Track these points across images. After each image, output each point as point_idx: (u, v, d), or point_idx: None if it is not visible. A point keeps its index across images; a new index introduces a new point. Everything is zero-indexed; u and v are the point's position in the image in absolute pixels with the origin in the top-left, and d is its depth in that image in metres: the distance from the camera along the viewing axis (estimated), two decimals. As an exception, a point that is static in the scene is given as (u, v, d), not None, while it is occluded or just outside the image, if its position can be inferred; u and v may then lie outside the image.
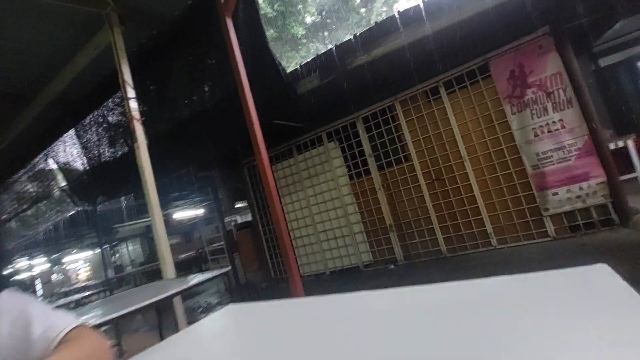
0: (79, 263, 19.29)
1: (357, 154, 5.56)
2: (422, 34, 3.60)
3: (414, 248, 5.18)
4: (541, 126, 4.25)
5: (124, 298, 2.72)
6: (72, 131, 5.77)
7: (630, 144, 5.07)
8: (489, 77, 4.49)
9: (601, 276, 0.61)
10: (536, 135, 4.28)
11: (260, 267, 6.85)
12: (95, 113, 5.33)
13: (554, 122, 4.18)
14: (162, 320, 3.21)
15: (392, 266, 5.24)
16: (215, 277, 2.56)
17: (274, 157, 6.29)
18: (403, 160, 5.20)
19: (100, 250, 12.04)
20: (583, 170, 4.09)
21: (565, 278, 0.66)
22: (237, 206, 10.50)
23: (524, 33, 4.17)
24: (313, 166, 5.98)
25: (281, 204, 6.27)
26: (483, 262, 4.27)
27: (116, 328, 1.86)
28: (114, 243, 16.53)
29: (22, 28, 3.55)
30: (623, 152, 5.18)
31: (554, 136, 4.19)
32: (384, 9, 14.12)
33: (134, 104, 3.32)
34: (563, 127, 4.14)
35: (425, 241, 5.07)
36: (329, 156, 5.78)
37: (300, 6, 13.40)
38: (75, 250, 15.86)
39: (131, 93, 3.34)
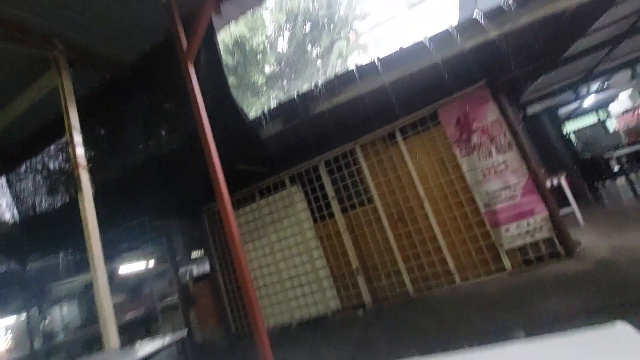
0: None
1: (320, 197, 5.55)
2: (378, 84, 3.88)
3: (381, 291, 5.09)
4: (488, 168, 4.61)
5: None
6: (2, 179, 5.15)
7: (563, 180, 5.67)
8: (439, 123, 4.88)
9: (623, 336, 0.60)
10: (485, 175, 4.62)
11: (219, 322, 6.24)
12: (33, 159, 4.84)
13: (498, 163, 4.57)
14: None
15: (361, 312, 5.05)
16: (167, 346, 2.24)
17: (236, 202, 6.07)
18: (366, 202, 5.28)
19: (25, 315, 10.31)
20: (528, 207, 4.43)
21: (588, 340, 0.64)
22: (193, 256, 9.78)
23: (465, 85, 4.67)
24: (276, 211, 5.84)
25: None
26: (448, 300, 4.30)
27: None
28: (45, 305, 14.29)
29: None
30: (558, 189, 5.76)
31: (500, 176, 4.55)
32: (339, 61, 15.27)
33: (80, 150, 3.06)
34: (507, 167, 4.53)
35: (393, 283, 5.02)
36: (293, 200, 5.71)
37: (259, 56, 14.02)
38: (-7, 317, 13.40)
39: (78, 138, 3.09)
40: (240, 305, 6.02)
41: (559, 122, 9.08)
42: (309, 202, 5.63)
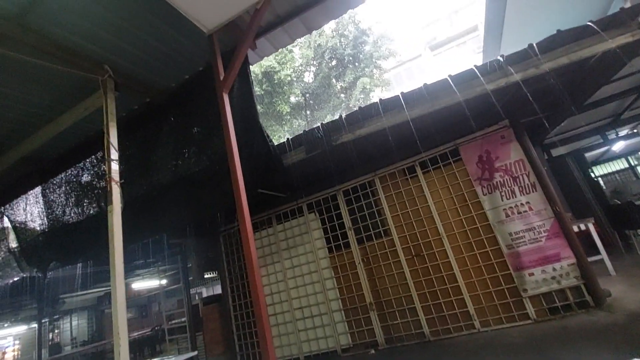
0: (8, 340, 16.36)
1: (337, 227, 5.54)
2: (400, 119, 3.97)
3: (395, 330, 4.87)
4: (511, 207, 4.51)
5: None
6: (37, 188, 5.47)
7: (592, 227, 5.43)
8: (460, 160, 4.87)
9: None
10: (507, 215, 4.51)
11: (225, 350, 6.09)
12: (68, 172, 5.15)
13: (522, 204, 4.46)
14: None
15: (373, 351, 4.82)
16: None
17: (253, 225, 6.11)
18: (383, 235, 5.21)
19: (36, 325, 10.40)
20: (554, 251, 4.25)
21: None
22: (205, 277, 9.77)
23: (488, 124, 4.71)
24: (292, 237, 5.84)
25: (255, 276, 5.91)
26: (467, 347, 4.05)
27: None
28: (56, 316, 14.41)
29: (8, 85, 3.58)
30: (586, 235, 5.51)
31: (524, 217, 4.43)
32: (362, 95, 15.73)
33: (115, 166, 3.25)
34: (531, 209, 4.42)
35: (408, 322, 4.81)
36: (309, 227, 5.72)
37: (286, 87, 14.68)
38: (7, 324, 13.57)
39: (114, 155, 3.29)
40: (249, 333, 5.89)
41: (586, 166, 8.82)
42: (325, 231, 5.62)
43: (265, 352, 2.59)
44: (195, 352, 2.45)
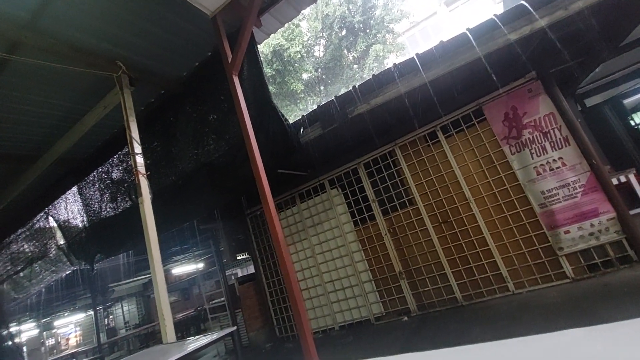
0: (70, 327, 18.11)
1: (360, 200, 5.52)
2: (418, 83, 3.79)
3: (427, 297, 4.91)
4: (542, 165, 4.29)
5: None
6: (74, 188, 5.80)
7: (633, 178, 5.08)
8: (484, 120, 4.64)
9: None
10: (539, 173, 4.30)
11: (264, 325, 6.42)
12: (99, 169, 5.40)
13: (554, 160, 4.23)
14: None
15: (406, 318, 4.91)
16: (219, 339, 2.36)
17: (277, 206, 6.25)
18: (407, 204, 5.15)
19: (92, 312, 11.38)
20: (591, 206, 4.04)
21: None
22: (238, 258, 10.18)
23: (513, 78, 4.41)
24: (317, 214, 5.90)
25: (285, 254, 6.08)
26: (503, 310, 4.01)
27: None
28: (108, 304, 15.70)
29: (31, 91, 3.72)
30: (627, 187, 5.17)
31: (557, 174, 4.21)
32: (375, 64, 15.15)
33: (140, 159, 3.36)
34: (564, 164, 4.18)
35: (439, 288, 4.82)
36: (333, 203, 5.74)
37: (297, 64, 14.38)
38: (67, 314, 14.99)
39: (138, 149, 3.40)
40: (284, 307, 6.15)
41: (625, 113, 8.15)
42: (349, 205, 5.63)
43: (300, 326, 2.69)
44: (235, 327, 2.59)
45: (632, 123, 8.67)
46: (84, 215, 5.77)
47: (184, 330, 11.00)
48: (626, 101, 8.29)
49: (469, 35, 3.43)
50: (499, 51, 3.55)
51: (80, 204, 5.74)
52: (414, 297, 5.00)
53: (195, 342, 2.34)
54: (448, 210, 4.82)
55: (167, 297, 3.04)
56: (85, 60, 3.47)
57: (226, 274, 7.69)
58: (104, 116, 4.17)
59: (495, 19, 3.33)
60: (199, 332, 10.95)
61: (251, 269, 7.93)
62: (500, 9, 11.24)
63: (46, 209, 6.36)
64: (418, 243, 5.02)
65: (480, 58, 3.55)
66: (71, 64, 3.41)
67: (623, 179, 5.23)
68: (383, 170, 5.36)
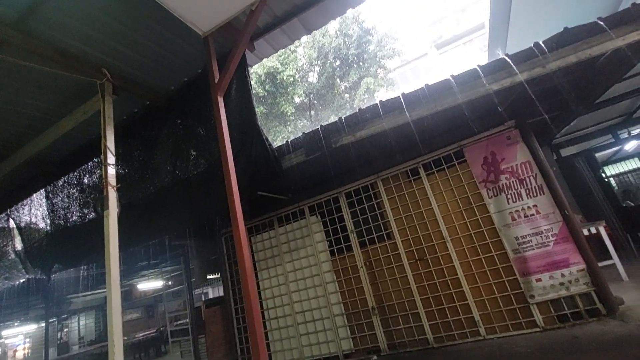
0: (20, 338, 16.67)
1: (339, 229, 5.45)
2: (402, 121, 3.87)
3: (398, 335, 4.77)
4: (517, 210, 4.37)
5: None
6: (41, 191, 5.51)
7: (602, 230, 5.25)
8: (464, 162, 4.75)
9: None
10: (513, 219, 4.37)
11: (227, 354, 6.06)
12: (70, 175, 5.17)
13: (529, 207, 4.33)
14: None
15: (375, 357, 4.73)
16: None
17: (255, 227, 6.09)
18: (385, 238, 5.12)
19: (45, 324, 10.55)
20: (562, 256, 4.11)
21: None
22: (209, 277, 9.77)
23: (492, 125, 4.58)
24: (294, 239, 5.77)
25: (257, 279, 5.86)
26: (473, 356, 3.93)
27: None
28: (63, 316, 14.62)
29: (6, 88, 3.59)
30: (597, 238, 5.33)
31: (531, 221, 4.29)
32: (366, 95, 15.60)
33: (112, 170, 3.22)
34: (538, 212, 4.28)
35: (411, 328, 4.70)
36: (311, 230, 5.64)
37: (289, 88, 14.63)
38: (17, 323, 13.82)
39: (111, 159, 3.26)
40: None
41: (597, 166, 8.59)
42: (327, 234, 5.54)
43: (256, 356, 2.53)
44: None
45: (603, 175, 9.10)
46: (48, 221, 5.45)
47: (142, 351, 10.28)
48: (598, 154, 8.75)
49: (452, 82, 3.57)
50: (481, 99, 3.70)
51: (45, 209, 5.43)
52: (385, 335, 4.85)
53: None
54: (425, 248, 4.81)
55: (120, 320, 2.82)
56: (70, 65, 3.39)
57: (196, 292, 7.34)
58: (82, 121, 4.03)
59: (478, 70, 3.48)
60: (159, 354, 10.25)
61: (221, 291, 7.60)
62: (485, 58, 11.95)
63: (8, 211, 5.98)
64: (393, 279, 4.95)
65: (463, 103, 3.67)
66: (55, 67, 3.32)
67: (593, 230, 5.41)
68: (364, 201, 5.35)
